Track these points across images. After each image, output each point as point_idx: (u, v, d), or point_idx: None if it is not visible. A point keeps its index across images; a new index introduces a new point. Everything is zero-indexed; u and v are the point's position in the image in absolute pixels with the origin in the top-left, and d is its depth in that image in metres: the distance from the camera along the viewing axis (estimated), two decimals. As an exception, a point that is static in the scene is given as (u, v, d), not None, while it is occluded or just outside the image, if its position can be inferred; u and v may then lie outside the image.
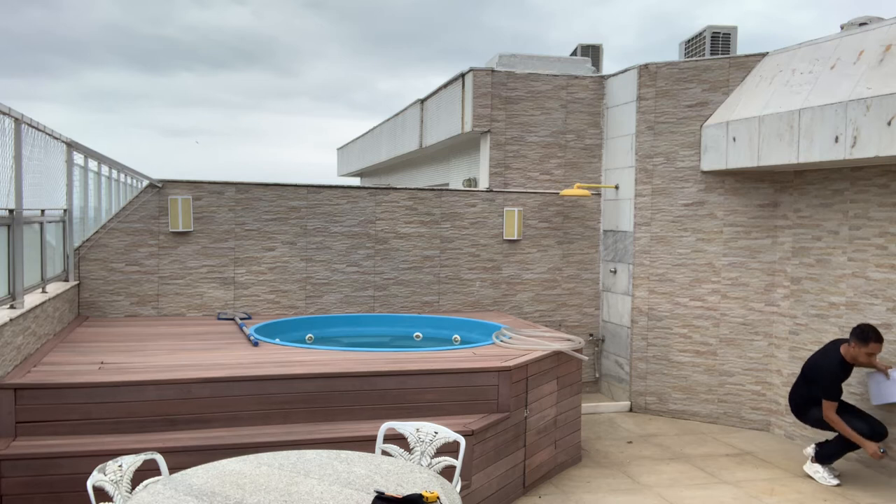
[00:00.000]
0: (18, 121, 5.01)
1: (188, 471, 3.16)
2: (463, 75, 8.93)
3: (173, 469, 3.49)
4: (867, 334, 5.87)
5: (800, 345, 7.22)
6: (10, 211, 5.06)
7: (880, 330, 6.33)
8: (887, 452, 6.08)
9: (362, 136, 17.36)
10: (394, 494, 2.88)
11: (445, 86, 9.80)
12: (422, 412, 5.20)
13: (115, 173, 9.67)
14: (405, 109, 12.45)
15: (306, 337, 7.27)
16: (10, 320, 4.72)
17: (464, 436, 3.93)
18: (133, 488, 3.32)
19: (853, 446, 5.96)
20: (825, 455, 6.12)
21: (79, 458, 4.25)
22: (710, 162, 7.61)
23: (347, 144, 19.91)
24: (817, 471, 6.14)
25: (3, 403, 4.44)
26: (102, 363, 5.12)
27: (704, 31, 9.16)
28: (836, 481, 6.04)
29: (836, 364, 5.96)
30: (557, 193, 8.65)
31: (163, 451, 3.69)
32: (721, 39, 9.09)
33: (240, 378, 4.87)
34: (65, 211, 6.82)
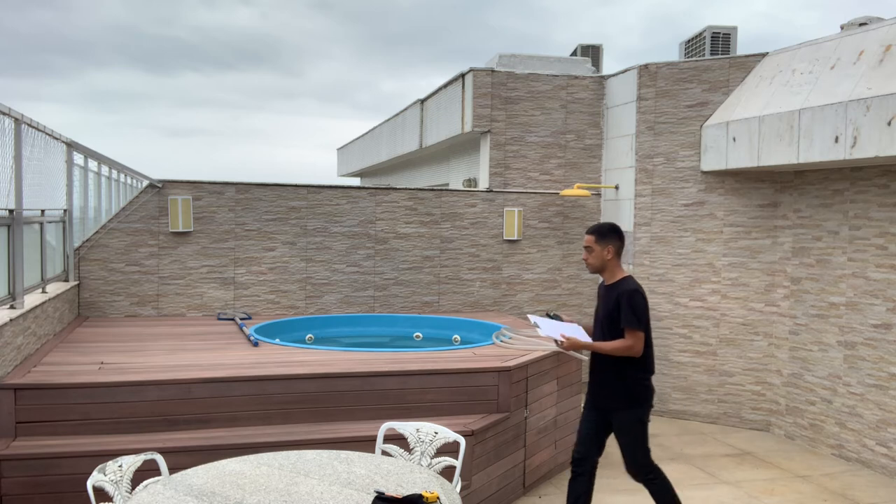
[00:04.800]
0: (18, 121, 5.01)
1: (188, 471, 3.16)
2: (463, 75, 8.93)
3: (173, 469, 3.49)
4: None
5: (800, 345, 7.22)
6: (10, 211, 5.06)
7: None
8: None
9: (362, 136, 17.34)
10: (394, 494, 2.88)
11: (445, 86, 9.79)
12: (422, 412, 5.20)
13: (115, 173, 9.67)
14: (405, 109, 12.44)
15: (306, 337, 7.26)
16: (10, 320, 4.72)
17: (464, 436, 3.93)
18: (133, 488, 3.32)
19: None
20: None
21: (79, 458, 4.25)
22: (710, 162, 7.61)
23: (347, 145, 19.90)
24: None
25: (3, 403, 4.44)
26: (102, 363, 5.12)
27: (704, 31, 9.16)
28: None
29: None
30: (557, 193, 8.65)
31: (163, 452, 3.69)
32: (721, 39, 9.09)
33: (240, 378, 4.87)
34: (65, 211, 6.82)
